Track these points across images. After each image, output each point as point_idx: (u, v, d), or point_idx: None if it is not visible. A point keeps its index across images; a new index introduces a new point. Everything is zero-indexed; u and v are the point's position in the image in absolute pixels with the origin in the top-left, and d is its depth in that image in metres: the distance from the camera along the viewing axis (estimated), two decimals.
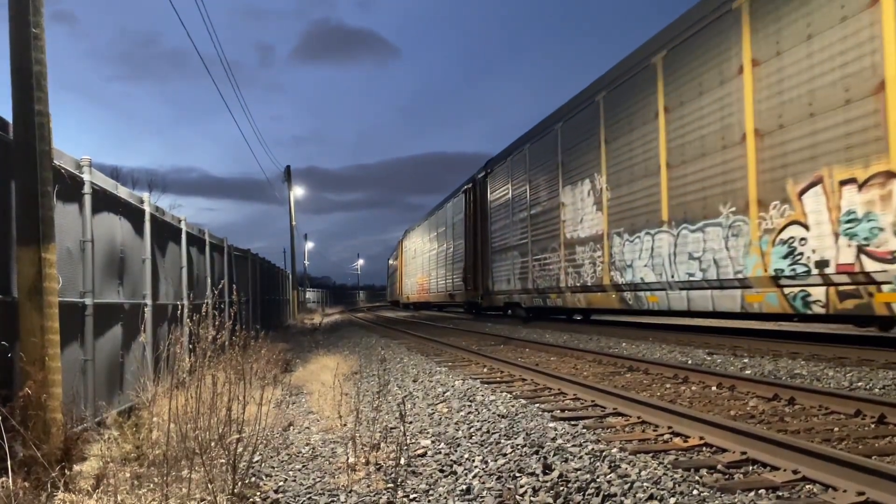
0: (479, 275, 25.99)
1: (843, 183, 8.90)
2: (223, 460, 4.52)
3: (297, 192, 46.01)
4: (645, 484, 3.90)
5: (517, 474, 4.47)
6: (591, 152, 16.29)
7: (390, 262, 68.38)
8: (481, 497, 4.19)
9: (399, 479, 4.62)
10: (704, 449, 4.88)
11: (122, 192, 7.37)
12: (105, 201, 6.75)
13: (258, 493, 4.54)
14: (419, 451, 5.43)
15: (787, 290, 10.01)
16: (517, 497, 4.05)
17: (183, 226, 10.15)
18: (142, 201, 8.07)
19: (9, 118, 4.80)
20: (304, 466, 5.36)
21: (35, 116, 4.75)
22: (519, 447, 5.12)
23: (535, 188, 20.02)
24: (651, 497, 3.71)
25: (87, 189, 6.20)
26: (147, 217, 8.13)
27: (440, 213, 34.46)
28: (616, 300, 15.27)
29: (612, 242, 15.28)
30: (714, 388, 7.50)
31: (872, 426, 5.39)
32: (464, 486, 4.43)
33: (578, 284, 16.91)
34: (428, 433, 6.08)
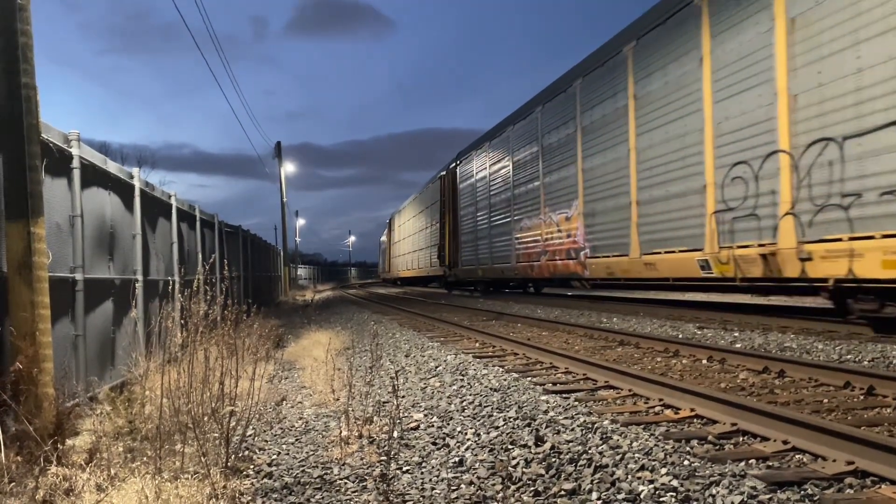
0: None
1: None
2: (216, 434, 4.53)
3: (289, 168, 45.70)
4: (636, 455, 3.93)
5: (509, 446, 4.50)
6: None
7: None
8: (474, 469, 4.21)
9: (392, 452, 4.64)
10: (695, 420, 4.92)
11: (112, 166, 7.30)
12: (94, 176, 6.69)
13: (251, 467, 4.56)
14: (412, 425, 5.45)
15: None
16: (510, 468, 4.08)
17: (173, 201, 10.08)
18: (131, 176, 8.00)
19: None
20: (297, 440, 5.38)
21: (22, 89, 4.68)
22: (511, 420, 5.14)
23: None
24: (642, 467, 3.74)
25: (75, 163, 6.14)
26: (137, 192, 8.06)
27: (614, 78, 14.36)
28: None
29: None
30: (705, 362, 7.55)
31: (861, 397, 5.44)
32: (456, 459, 4.46)
33: None
34: (420, 407, 6.11)
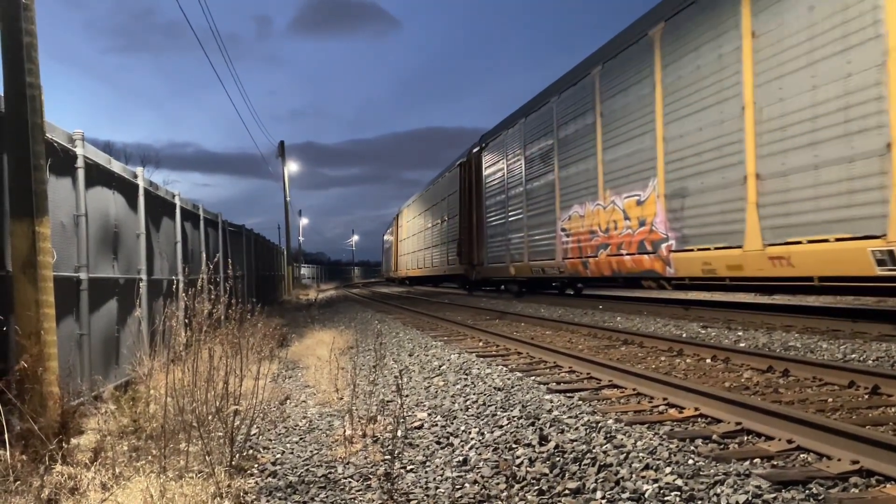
0: None
1: None
2: (221, 433, 4.53)
3: (292, 167, 45.72)
4: (641, 454, 3.92)
5: (513, 445, 4.50)
6: None
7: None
8: (478, 468, 4.21)
9: (396, 451, 4.64)
10: (700, 420, 4.91)
11: (116, 166, 7.32)
12: (98, 175, 6.70)
13: (256, 466, 4.56)
14: (416, 424, 5.45)
15: None
16: (514, 468, 4.08)
17: (177, 201, 10.10)
18: (136, 176, 8.01)
19: None
20: (301, 439, 5.39)
21: (27, 89, 4.70)
22: (515, 419, 5.14)
23: None
24: (647, 466, 3.73)
25: (80, 163, 6.15)
26: (141, 191, 8.08)
27: None
28: None
29: None
30: (709, 361, 7.54)
31: (866, 397, 5.43)
32: (460, 458, 4.46)
33: None
34: (424, 406, 6.11)
